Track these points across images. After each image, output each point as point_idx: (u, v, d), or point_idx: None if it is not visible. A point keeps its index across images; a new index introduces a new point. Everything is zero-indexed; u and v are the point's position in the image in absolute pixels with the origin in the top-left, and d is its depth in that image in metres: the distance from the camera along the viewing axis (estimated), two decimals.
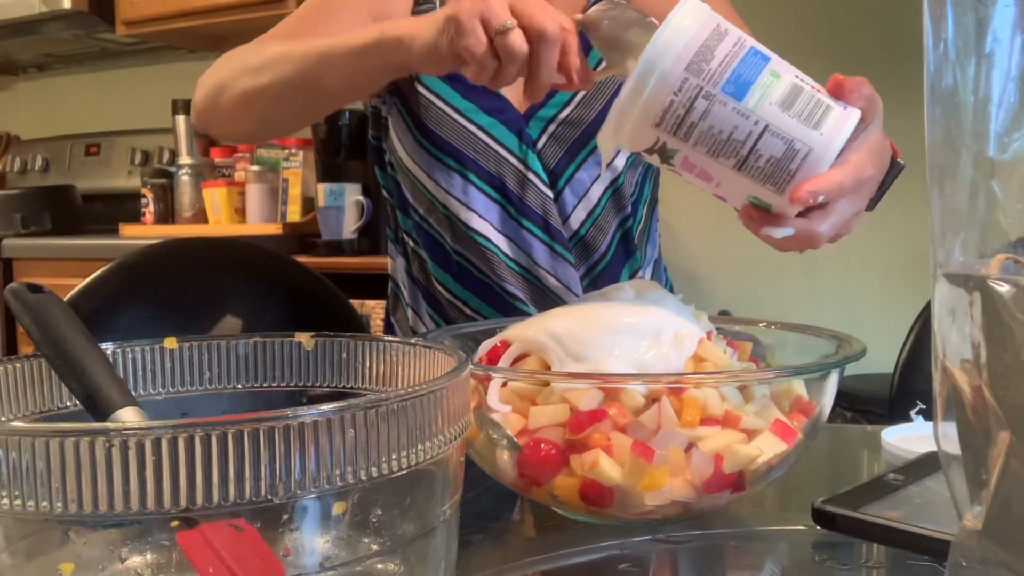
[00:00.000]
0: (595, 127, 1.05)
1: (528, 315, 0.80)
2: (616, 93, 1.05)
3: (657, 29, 0.59)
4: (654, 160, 0.63)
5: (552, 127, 1.05)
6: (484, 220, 1.04)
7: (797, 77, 0.61)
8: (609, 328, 0.62)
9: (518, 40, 0.71)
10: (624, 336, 0.62)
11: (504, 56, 0.72)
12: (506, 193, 1.04)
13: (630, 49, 0.66)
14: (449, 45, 0.74)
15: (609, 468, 0.56)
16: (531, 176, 1.04)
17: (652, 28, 0.63)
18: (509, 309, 1.05)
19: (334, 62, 0.86)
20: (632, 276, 1.11)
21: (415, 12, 1.04)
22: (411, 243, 1.12)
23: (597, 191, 1.06)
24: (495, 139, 1.04)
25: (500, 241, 1.05)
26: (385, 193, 1.16)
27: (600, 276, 1.08)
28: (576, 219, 1.06)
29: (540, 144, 1.05)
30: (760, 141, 0.59)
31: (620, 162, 1.07)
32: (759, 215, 0.64)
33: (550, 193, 1.04)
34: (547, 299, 1.04)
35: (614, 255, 1.10)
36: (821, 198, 0.61)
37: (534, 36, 0.71)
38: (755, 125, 0.59)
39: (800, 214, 0.63)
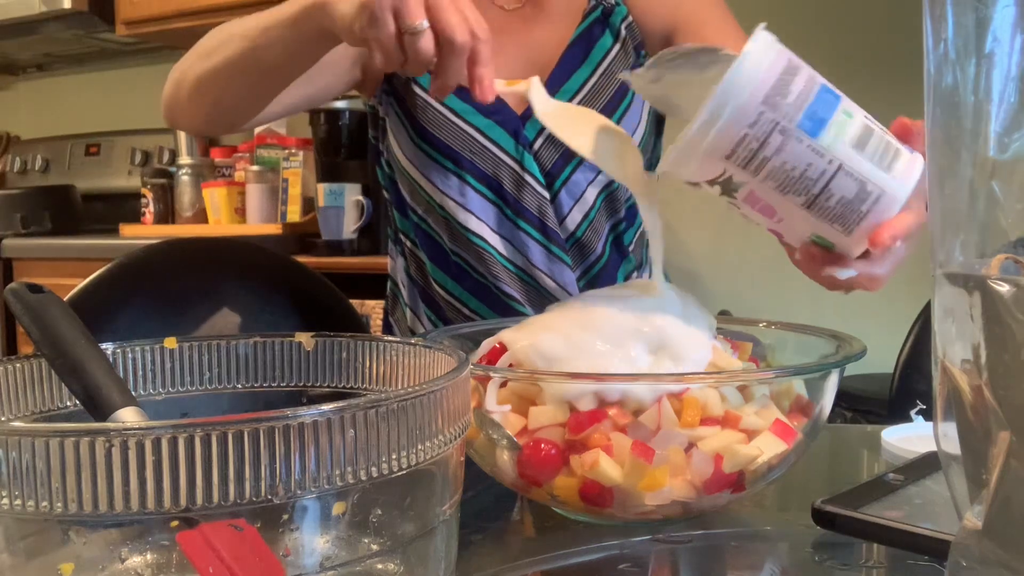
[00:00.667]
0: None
1: (526, 315, 0.80)
2: (615, 98, 1.05)
3: (734, 61, 0.58)
4: (714, 191, 0.62)
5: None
6: (481, 221, 1.05)
7: (867, 117, 0.61)
8: (600, 350, 0.62)
9: (426, 44, 0.71)
10: (615, 359, 0.61)
11: (410, 56, 0.72)
12: (502, 194, 1.04)
13: (693, 83, 0.65)
14: (360, 30, 0.74)
15: (609, 468, 0.56)
16: (527, 177, 1.04)
17: (722, 59, 0.62)
18: (506, 310, 1.05)
19: (271, 35, 0.88)
20: (627, 278, 1.11)
21: None
22: (409, 243, 1.12)
23: (592, 193, 1.06)
24: (492, 140, 1.04)
25: (496, 242, 1.05)
26: (384, 193, 1.16)
27: (596, 277, 1.08)
28: (572, 220, 1.06)
29: (537, 145, 1.05)
30: (833, 180, 0.59)
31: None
32: (821, 255, 0.64)
33: (546, 194, 1.05)
34: (543, 300, 1.04)
35: (609, 257, 1.10)
36: (899, 243, 0.61)
37: (443, 42, 0.71)
38: (829, 164, 0.59)
39: (860, 255, 0.63)
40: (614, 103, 1.07)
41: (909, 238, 0.62)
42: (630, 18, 1.10)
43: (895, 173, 0.60)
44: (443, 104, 1.03)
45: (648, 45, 1.11)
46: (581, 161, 1.06)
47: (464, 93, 1.03)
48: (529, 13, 1.10)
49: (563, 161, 1.05)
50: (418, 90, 1.04)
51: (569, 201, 1.06)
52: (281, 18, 0.85)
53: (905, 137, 0.63)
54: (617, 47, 1.09)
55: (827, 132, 0.58)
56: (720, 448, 0.57)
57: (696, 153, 0.60)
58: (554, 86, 1.05)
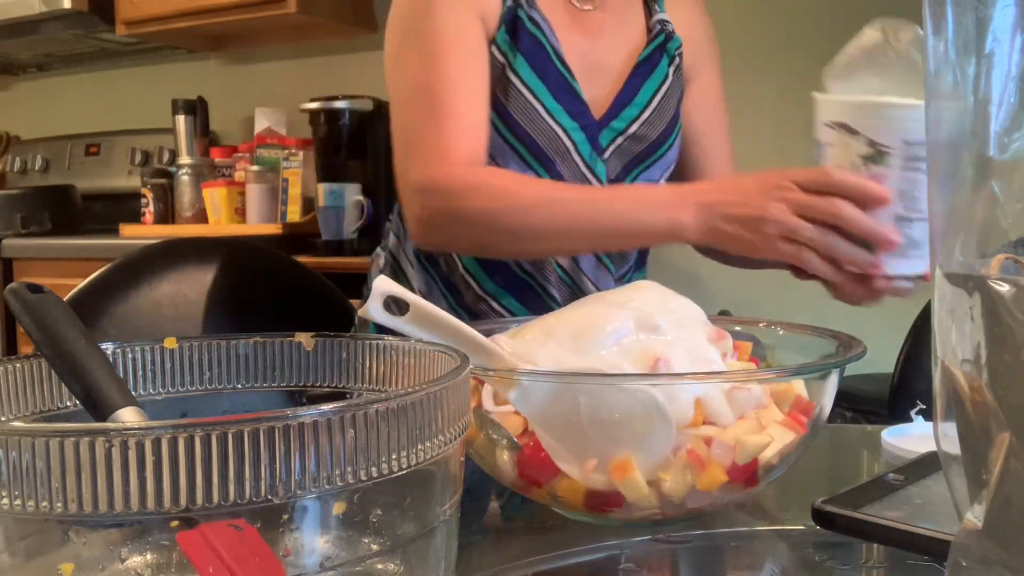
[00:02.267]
0: (653, 147, 1.10)
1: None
2: (670, 124, 1.08)
3: None
4: (858, 146, 0.66)
5: (620, 139, 1.08)
6: None
7: None
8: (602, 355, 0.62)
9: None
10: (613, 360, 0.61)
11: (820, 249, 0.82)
12: None
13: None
14: (783, 243, 0.83)
15: (639, 478, 0.56)
16: (595, 184, 1.06)
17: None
18: (543, 310, 1.05)
19: (617, 240, 0.95)
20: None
21: (504, 11, 1.04)
22: None
23: None
24: (574, 143, 1.05)
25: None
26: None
27: (622, 284, 1.10)
28: None
29: (607, 154, 1.07)
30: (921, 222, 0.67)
31: (662, 184, 1.12)
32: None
33: None
34: None
35: (635, 264, 1.15)
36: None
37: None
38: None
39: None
40: (671, 124, 1.12)
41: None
42: (681, 49, 1.15)
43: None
44: (536, 98, 1.03)
45: None
46: (638, 175, 1.10)
47: (556, 90, 1.04)
48: (599, 19, 1.11)
49: (624, 173, 1.09)
50: (514, 78, 1.03)
51: None
52: (631, 222, 0.91)
53: None
54: (672, 72, 1.13)
55: None
56: (732, 439, 0.57)
57: (899, 120, 0.62)
58: (626, 96, 1.08)
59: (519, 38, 1.03)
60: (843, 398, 1.83)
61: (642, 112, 1.09)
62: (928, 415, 0.79)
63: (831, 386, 0.62)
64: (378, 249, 1.24)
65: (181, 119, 2.73)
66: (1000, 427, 0.34)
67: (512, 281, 1.07)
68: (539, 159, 1.04)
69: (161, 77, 3.18)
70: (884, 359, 1.39)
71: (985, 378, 0.34)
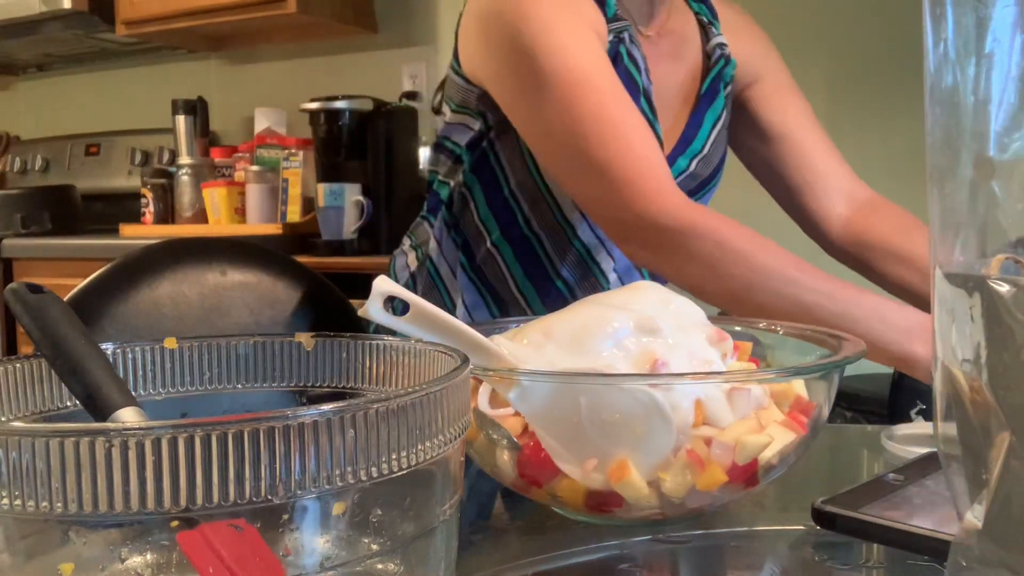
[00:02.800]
0: (705, 183, 1.08)
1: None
2: (721, 156, 1.05)
3: None
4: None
5: (682, 176, 1.06)
6: (610, 259, 1.05)
7: None
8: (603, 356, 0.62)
9: None
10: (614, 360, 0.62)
11: None
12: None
13: None
14: None
15: (636, 479, 0.56)
16: None
17: None
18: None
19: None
20: None
21: (610, 30, 1.01)
22: (489, 239, 1.09)
23: None
24: None
25: (613, 278, 1.06)
26: (463, 176, 1.09)
27: None
28: None
29: (678, 180, 1.05)
30: None
31: None
32: None
33: None
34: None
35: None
36: None
37: None
38: None
39: None
40: (719, 164, 1.10)
41: None
42: (735, 73, 1.12)
43: None
44: None
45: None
46: (703, 201, 1.07)
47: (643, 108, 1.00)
48: (659, 46, 1.07)
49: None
50: None
51: None
52: (867, 342, 0.76)
53: None
54: (726, 104, 1.10)
55: None
56: (732, 439, 0.57)
57: None
58: (691, 132, 1.06)
59: (618, 73, 0.99)
60: (843, 398, 1.83)
61: (703, 147, 1.06)
62: (928, 415, 0.79)
63: (831, 386, 0.62)
64: (405, 248, 1.20)
65: (181, 119, 2.73)
66: (1000, 427, 0.34)
67: (562, 305, 1.06)
68: None
69: (161, 77, 3.18)
70: None
71: (985, 378, 0.34)
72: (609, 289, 1.03)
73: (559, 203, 1.04)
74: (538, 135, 0.96)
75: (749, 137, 1.17)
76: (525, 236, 1.07)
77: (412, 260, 1.17)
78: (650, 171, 0.90)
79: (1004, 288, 0.33)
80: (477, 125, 1.06)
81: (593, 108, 0.91)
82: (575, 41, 0.93)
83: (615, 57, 1.00)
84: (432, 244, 1.14)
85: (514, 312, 1.08)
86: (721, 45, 1.10)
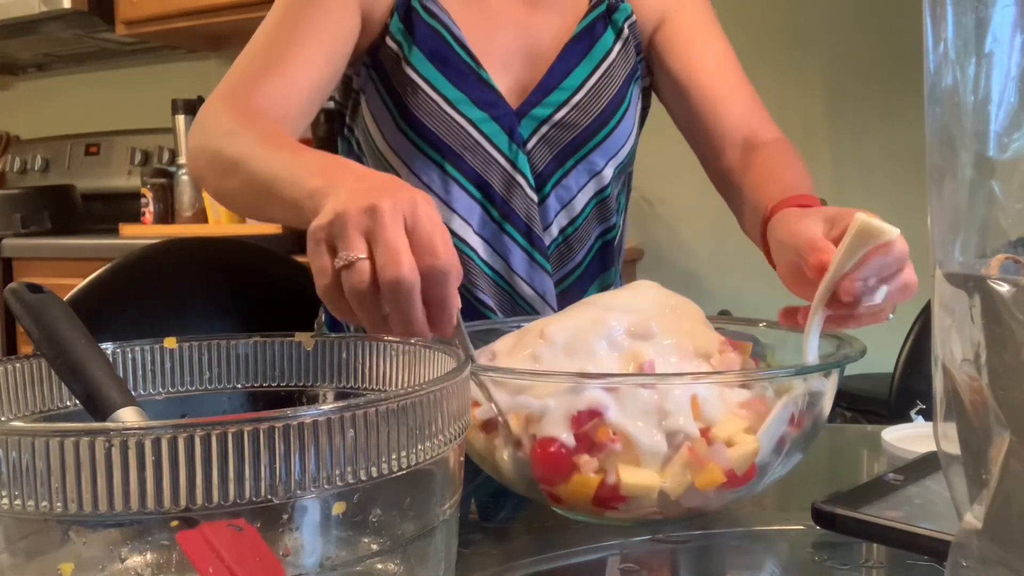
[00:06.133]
0: (588, 133, 1.00)
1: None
2: (615, 98, 1.00)
3: None
4: None
5: (545, 128, 0.99)
6: (464, 221, 0.98)
7: None
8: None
9: (358, 277, 0.56)
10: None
11: (345, 290, 0.57)
12: (490, 195, 0.99)
13: None
14: (309, 256, 0.61)
15: (638, 478, 0.56)
16: (519, 178, 0.99)
17: None
18: (477, 317, 0.98)
19: (272, 198, 0.73)
20: (603, 290, 1.06)
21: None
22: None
23: (582, 200, 1.02)
24: (485, 135, 0.98)
25: (478, 244, 0.99)
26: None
27: (571, 287, 1.03)
28: (558, 226, 1.01)
29: (530, 145, 0.99)
30: None
31: (608, 172, 1.02)
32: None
33: (535, 197, 0.99)
34: (518, 309, 1.00)
35: (588, 266, 1.05)
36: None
37: (380, 280, 0.56)
38: None
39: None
40: (613, 104, 1.02)
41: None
42: (633, 17, 1.05)
43: None
44: (436, 90, 0.96)
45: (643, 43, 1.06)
46: (575, 165, 1.01)
47: (458, 79, 0.96)
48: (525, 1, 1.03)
49: (555, 164, 1.00)
50: (409, 70, 0.97)
51: (556, 206, 1.01)
52: (282, 194, 0.70)
53: None
54: (619, 46, 1.03)
55: None
56: (727, 437, 0.57)
57: None
58: (553, 80, 1.00)
59: (414, 27, 0.97)
60: (843, 398, 1.83)
61: (572, 96, 0.99)
62: (928, 415, 0.79)
63: (831, 386, 0.62)
64: None
65: (181, 119, 2.73)
66: (1000, 427, 0.34)
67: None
68: (444, 154, 0.97)
69: (161, 77, 3.18)
70: (884, 359, 1.39)
71: (985, 378, 0.34)
72: (477, 262, 0.99)
73: (395, 168, 1.01)
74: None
75: (663, 92, 1.09)
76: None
77: None
78: (246, 75, 0.91)
79: (1004, 288, 0.33)
80: (336, 106, 1.09)
81: (268, 27, 0.95)
82: None
83: (407, 10, 0.98)
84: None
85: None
86: None
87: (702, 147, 1.05)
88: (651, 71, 1.09)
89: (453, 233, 0.97)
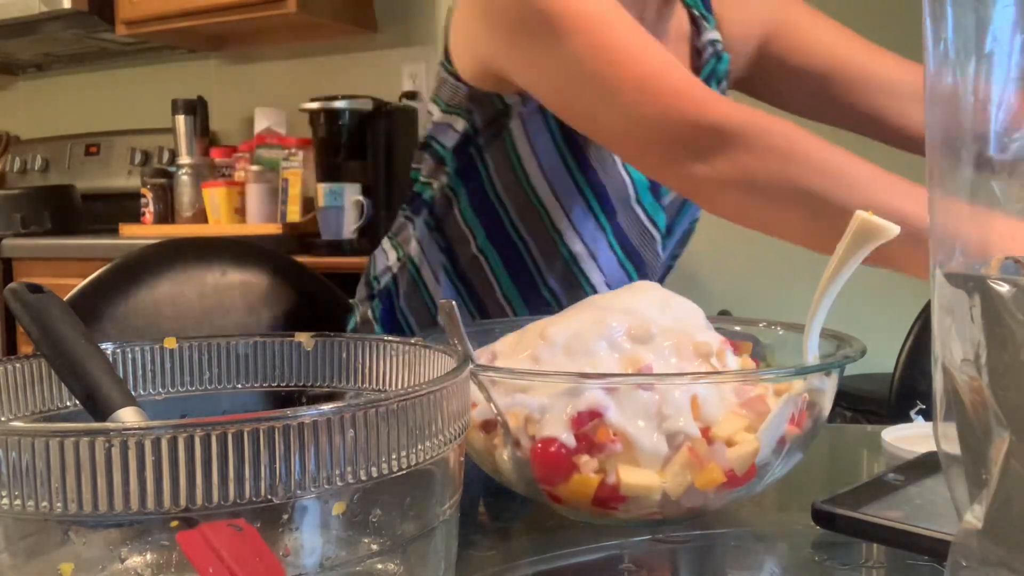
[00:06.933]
0: None
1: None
2: None
3: None
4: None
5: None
6: (602, 274, 1.01)
7: None
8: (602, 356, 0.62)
9: None
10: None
11: None
12: (628, 248, 1.01)
13: None
14: None
15: (638, 478, 0.56)
16: (655, 233, 1.03)
17: None
18: None
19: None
20: None
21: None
22: (475, 243, 1.05)
23: (679, 239, 1.09)
24: (636, 192, 0.99)
25: (603, 290, 0.98)
26: (444, 177, 1.06)
27: None
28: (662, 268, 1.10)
29: (666, 200, 1.04)
30: None
31: (699, 213, 1.10)
32: None
33: (662, 253, 1.04)
34: None
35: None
36: None
37: None
38: None
39: None
40: None
41: None
42: (729, 67, 1.07)
43: None
44: None
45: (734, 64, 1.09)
46: (678, 222, 1.06)
47: None
48: (655, 29, 1.01)
49: (671, 223, 1.06)
50: None
51: (668, 250, 1.08)
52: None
53: None
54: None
55: None
56: (726, 437, 0.57)
57: None
58: None
59: None
60: (843, 398, 1.84)
61: None
62: (928, 415, 0.79)
63: (831, 386, 0.62)
64: (385, 248, 1.16)
65: (181, 119, 2.73)
66: (1000, 427, 0.34)
67: (548, 313, 1.04)
68: (604, 207, 0.99)
69: (161, 77, 3.18)
70: (884, 359, 1.39)
71: (985, 378, 0.34)
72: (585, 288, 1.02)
73: (548, 210, 1.01)
74: (561, 84, 0.89)
75: (797, 91, 1.10)
76: (512, 241, 1.04)
77: (393, 259, 1.14)
78: (694, 81, 0.83)
79: (1004, 288, 0.33)
80: (461, 126, 1.03)
81: (618, 34, 0.85)
82: None
83: None
84: (414, 246, 1.11)
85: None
86: (713, 42, 1.07)
87: (881, 116, 1.05)
88: (756, 78, 1.11)
89: (592, 286, 1.02)
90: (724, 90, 1.08)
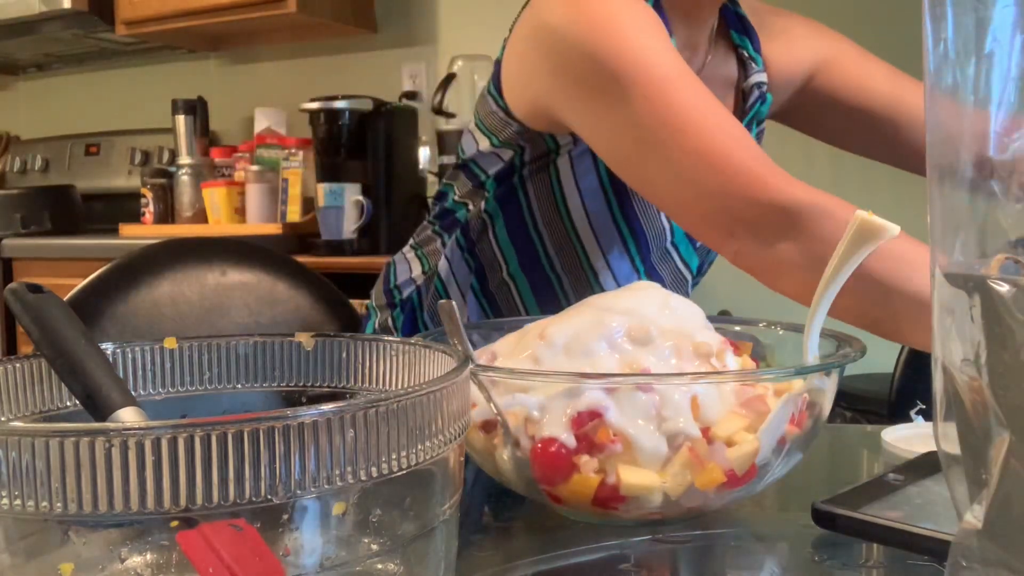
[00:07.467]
0: None
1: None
2: None
3: None
4: None
5: None
6: None
7: None
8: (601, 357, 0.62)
9: None
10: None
11: None
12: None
13: None
14: None
15: (638, 478, 0.56)
16: (687, 275, 1.04)
17: None
18: None
19: None
20: None
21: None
22: (505, 267, 1.06)
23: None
24: (673, 236, 1.00)
25: None
26: (485, 203, 1.05)
27: None
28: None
29: (698, 244, 1.05)
30: None
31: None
32: None
33: (690, 289, 1.06)
34: None
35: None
36: None
37: None
38: None
39: None
40: None
41: None
42: (769, 109, 1.08)
43: None
44: None
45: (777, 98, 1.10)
46: (704, 264, 1.07)
47: None
48: (707, 76, 1.02)
49: (704, 252, 1.07)
50: None
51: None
52: None
53: None
54: (759, 141, 1.06)
55: None
56: (726, 436, 0.57)
57: None
58: None
59: None
60: (843, 398, 1.84)
61: None
62: (928, 415, 0.79)
63: (831, 386, 0.62)
64: (408, 256, 1.15)
65: (181, 119, 2.73)
66: (1000, 427, 0.34)
67: None
68: (640, 250, 1.00)
69: (161, 77, 3.18)
70: (884, 359, 1.39)
71: (985, 378, 0.34)
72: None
73: (585, 248, 1.01)
74: (623, 144, 0.88)
75: (844, 126, 1.11)
76: (544, 272, 1.04)
77: (417, 271, 1.13)
78: (761, 157, 0.82)
79: (1004, 288, 0.33)
80: (509, 156, 1.02)
81: (686, 101, 0.84)
82: (654, 42, 0.86)
83: None
84: (442, 262, 1.10)
85: None
86: (759, 84, 1.06)
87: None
88: (798, 111, 1.12)
89: None
90: (762, 131, 1.08)
